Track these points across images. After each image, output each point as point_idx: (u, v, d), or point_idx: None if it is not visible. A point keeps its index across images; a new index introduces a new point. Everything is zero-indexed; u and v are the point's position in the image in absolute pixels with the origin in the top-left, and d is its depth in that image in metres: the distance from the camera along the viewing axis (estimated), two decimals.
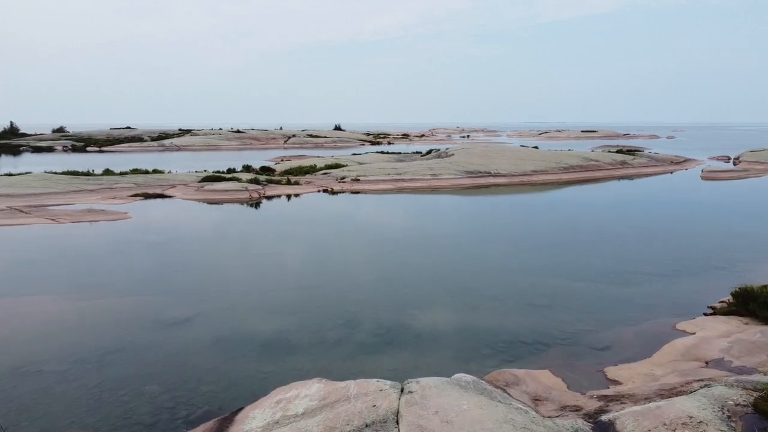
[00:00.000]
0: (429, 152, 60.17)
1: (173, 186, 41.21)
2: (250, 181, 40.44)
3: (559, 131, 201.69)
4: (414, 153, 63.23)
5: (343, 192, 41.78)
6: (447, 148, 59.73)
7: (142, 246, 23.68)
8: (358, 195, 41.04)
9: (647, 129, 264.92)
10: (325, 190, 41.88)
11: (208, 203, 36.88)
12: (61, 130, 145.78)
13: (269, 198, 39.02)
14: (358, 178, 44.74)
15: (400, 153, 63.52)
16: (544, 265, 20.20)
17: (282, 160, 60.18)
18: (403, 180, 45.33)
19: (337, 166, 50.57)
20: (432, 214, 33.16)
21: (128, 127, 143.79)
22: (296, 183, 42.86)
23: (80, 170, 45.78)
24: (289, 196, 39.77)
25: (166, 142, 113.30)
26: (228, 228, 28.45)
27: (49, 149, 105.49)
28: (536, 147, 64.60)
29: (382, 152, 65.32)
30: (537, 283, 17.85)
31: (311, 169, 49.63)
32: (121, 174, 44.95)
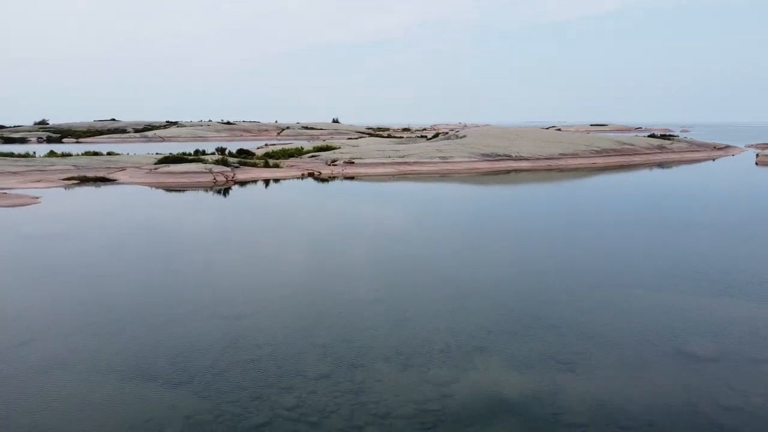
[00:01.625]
0: (436, 135, 52.14)
1: (123, 169, 33.18)
2: (218, 163, 32.39)
3: (569, 126, 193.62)
4: (418, 137, 55.14)
5: (333, 177, 33.76)
6: (457, 131, 51.71)
7: (14, 241, 15.66)
8: (352, 181, 33.04)
9: (653, 126, 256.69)
10: (310, 175, 33.82)
11: (159, 188, 28.84)
12: (43, 122, 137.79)
13: (241, 183, 31.00)
14: (352, 160, 36.70)
15: (402, 137, 55.38)
16: (652, 274, 12.19)
17: (266, 146, 52.15)
18: (406, 163, 37.30)
19: (328, 148, 42.54)
20: (449, 206, 25.17)
21: (113, 119, 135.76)
22: (276, 166, 34.82)
23: (16, 152, 37.83)
24: (267, 182, 31.75)
25: (150, 133, 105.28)
26: (158, 220, 20.45)
27: (22, 140, 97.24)
28: (559, 129, 56.52)
29: (381, 136, 57.09)
30: (659, 305, 9.83)
31: (297, 152, 41.60)
32: (63, 155, 36.93)
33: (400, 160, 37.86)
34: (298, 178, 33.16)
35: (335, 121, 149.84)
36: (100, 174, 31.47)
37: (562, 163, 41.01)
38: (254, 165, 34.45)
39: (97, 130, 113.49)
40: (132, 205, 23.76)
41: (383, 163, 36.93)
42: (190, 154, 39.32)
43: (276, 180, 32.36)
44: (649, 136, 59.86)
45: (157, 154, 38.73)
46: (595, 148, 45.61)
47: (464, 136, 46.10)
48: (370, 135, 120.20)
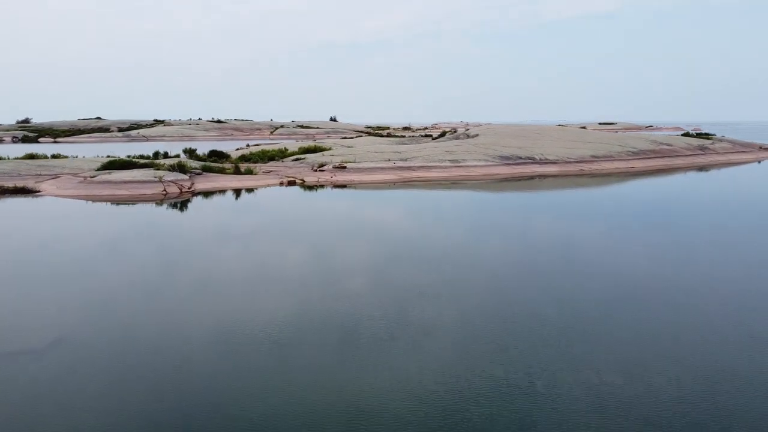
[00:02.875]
0: (443, 134, 45.47)
1: (57, 176, 26.57)
2: (173, 169, 25.74)
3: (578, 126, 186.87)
4: (422, 136, 48.49)
5: (320, 186, 27.14)
6: (467, 129, 45.07)
7: None
8: (344, 190, 26.46)
9: (662, 125, 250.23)
10: (291, 183, 27.15)
11: (89, 202, 22.19)
12: (25, 121, 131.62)
13: (203, 195, 24.43)
14: (344, 165, 30.05)
15: (403, 137, 48.77)
16: None
17: (248, 146, 45.51)
18: (410, 168, 30.65)
19: (316, 149, 35.88)
20: (474, 224, 18.52)
21: (98, 118, 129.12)
22: (249, 172, 28.16)
23: None
24: (237, 192, 25.18)
25: (133, 132, 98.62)
26: (50, 247, 13.79)
27: None
28: (583, 127, 50.17)
29: (381, 135, 50.50)
30: None
31: (279, 154, 34.97)
32: None
33: (402, 164, 31.20)
34: (275, 186, 26.49)
35: (333, 119, 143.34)
36: (23, 183, 24.83)
37: (595, 167, 34.35)
38: (221, 171, 27.79)
39: (78, 129, 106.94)
40: (11, 235, 17.06)
41: (382, 168, 30.28)
42: (149, 157, 32.70)
43: (249, 190, 25.74)
44: (683, 134, 53.22)
45: (107, 156, 32.01)
46: (631, 149, 38.94)
47: (477, 136, 39.41)
48: (369, 134, 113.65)
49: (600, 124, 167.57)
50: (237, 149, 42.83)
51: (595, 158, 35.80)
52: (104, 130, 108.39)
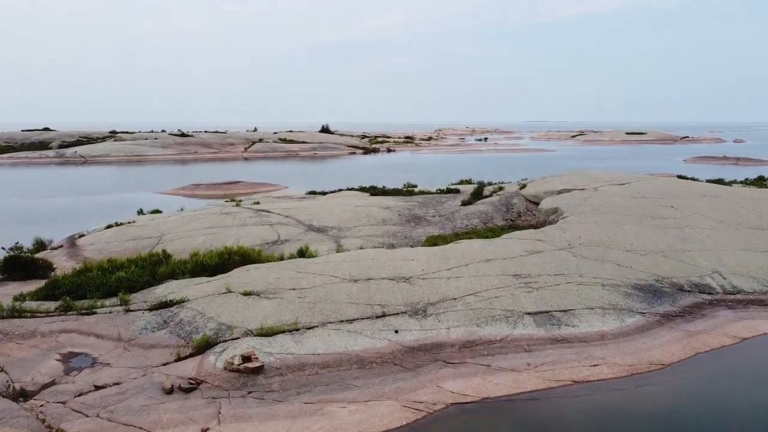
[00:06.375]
0: (478, 193, 26.01)
1: None
2: None
3: (596, 132, 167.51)
4: (441, 192, 28.90)
5: None
6: (522, 185, 25.44)
7: None
8: None
9: (694, 130, 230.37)
10: None
11: None
12: None
13: None
14: (253, 364, 10.64)
15: (411, 192, 29.07)
16: None
17: (130, 224, 26.19)
18: (433, 357, 11.34)
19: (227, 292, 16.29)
20: None
21: (46, 129, 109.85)
22: None
23: None
24: None
25: (69, 151, 79.48)
26: None
27: None
28: (721, 181, 30.85)
29: (363, 188, 30.86)
30: None
31: (134, 279, 15.59)
32: None
33: (412, 339, 11.92)
34: None
35: (325, 129, 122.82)
36: None
37: None
38: None
39: (10, 146, 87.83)
40: None
41: (358, 388, 10.98)
42: None
43: None
44: None
45: None
46: None
47: (564, 216, 19.95)
48: (365, 151, 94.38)
49: (627, 133, 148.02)
50: (108, 226, 23.43)
51: None
52: (44, 145, 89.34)
